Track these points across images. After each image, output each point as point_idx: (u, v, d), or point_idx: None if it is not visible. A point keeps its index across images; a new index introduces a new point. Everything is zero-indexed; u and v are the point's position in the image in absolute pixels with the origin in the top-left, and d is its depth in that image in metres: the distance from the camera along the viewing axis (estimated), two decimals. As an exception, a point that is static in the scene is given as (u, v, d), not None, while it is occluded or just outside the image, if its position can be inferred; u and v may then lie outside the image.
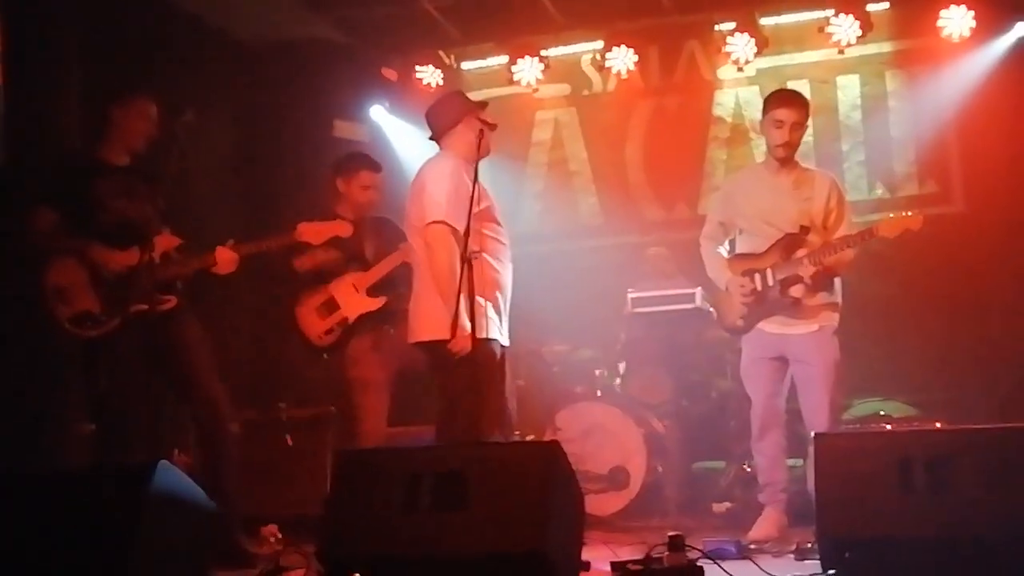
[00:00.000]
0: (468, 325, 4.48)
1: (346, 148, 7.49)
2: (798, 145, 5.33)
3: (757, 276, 5.29)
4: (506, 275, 4.90)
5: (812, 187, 5.30)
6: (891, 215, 5.22)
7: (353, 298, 5.63)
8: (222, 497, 4.55)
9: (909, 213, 5.17)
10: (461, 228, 4.56)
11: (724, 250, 5.54)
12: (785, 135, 5.24)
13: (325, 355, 5.71)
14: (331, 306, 5.66)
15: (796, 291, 5.20)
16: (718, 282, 5.52)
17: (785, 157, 5.30)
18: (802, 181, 5.32)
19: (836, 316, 5.29)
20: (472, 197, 4.57)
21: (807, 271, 5.13)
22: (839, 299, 5.33)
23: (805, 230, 5.22)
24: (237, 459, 5.20)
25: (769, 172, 5.40)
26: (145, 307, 4.90)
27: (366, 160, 5.88)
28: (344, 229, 5.36)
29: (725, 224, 5.54)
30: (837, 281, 5.34)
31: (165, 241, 5.02)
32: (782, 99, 5.37)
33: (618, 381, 6.90)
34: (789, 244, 5.22)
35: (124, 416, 4.95)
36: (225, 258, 5.06)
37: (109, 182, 5.00)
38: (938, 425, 5.81)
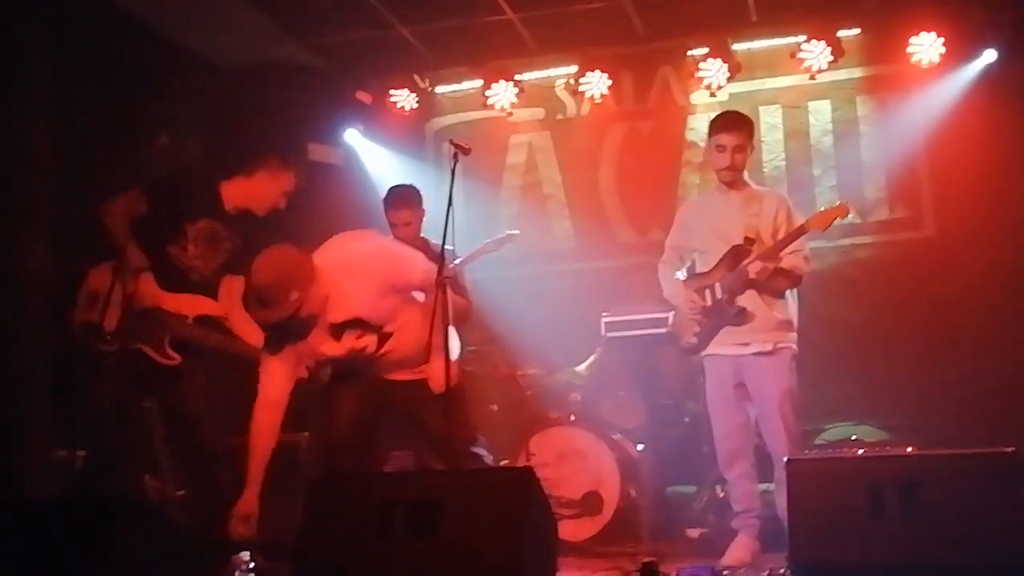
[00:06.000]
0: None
1: (320, 171, 7.48)
2: (742, 167, 5.41)
3: (707, 292, 5.34)
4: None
5: (760, 204, 5.38)
6: (822, 209, 5.22)
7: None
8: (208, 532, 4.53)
9: (837, 203, 5.21)
10: None
11: (682, 274, 5.57)
12: (728, 159, 5.34)
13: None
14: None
15: (743, 300, 5.24)
16: (674, 302, 5.59)
17: (731, 180, 5.40)
18: (751, 199, 5.41)
19: (792, 336, 5.30)
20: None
21: (754, 276, 5.16)
22: (794, 318, 5.34)
23: (750, 241, 5.25)
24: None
25: (720, 193, 5.51)
26: (156, 356, 4.90)
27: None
28: None
29: (677, 247, 5.61)
30: (792, 300, 5.36)
31: (210, 306, 5.01)
32: (723, 124, 5.43)
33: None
34: (735, 256, 5.27)
35: (112, 441, 4.94)
36: None
37: (215, 218, 5.00)
38: (910, 450, 5.82)
